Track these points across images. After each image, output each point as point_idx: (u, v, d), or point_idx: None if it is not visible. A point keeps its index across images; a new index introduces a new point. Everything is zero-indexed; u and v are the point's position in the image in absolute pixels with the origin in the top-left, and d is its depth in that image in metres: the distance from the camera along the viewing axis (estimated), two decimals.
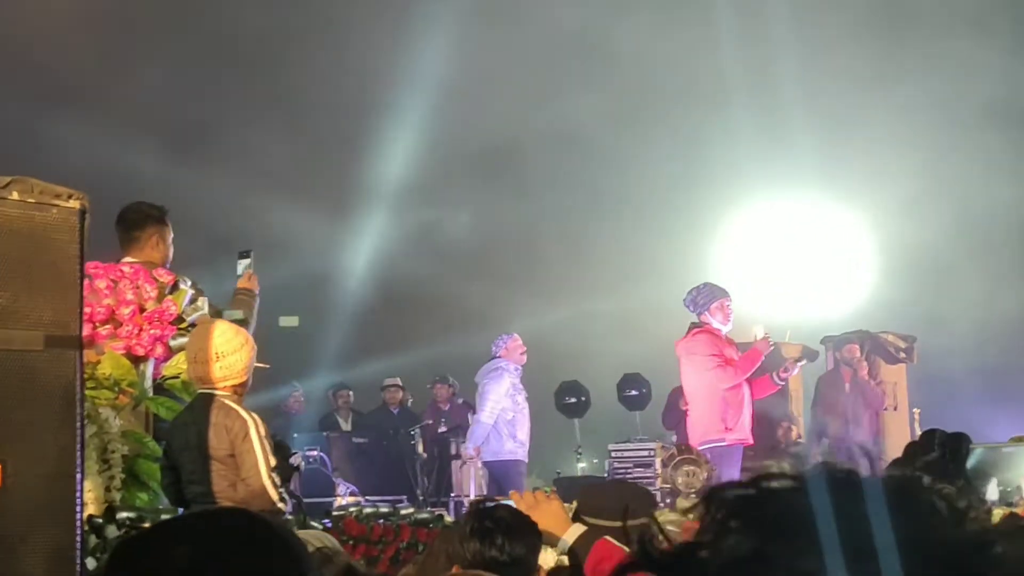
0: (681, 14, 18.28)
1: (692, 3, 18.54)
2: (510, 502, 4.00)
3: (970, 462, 2.33)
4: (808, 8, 18.18)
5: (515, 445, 13.02)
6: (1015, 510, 2.18)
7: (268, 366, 8.95)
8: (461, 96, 18.08)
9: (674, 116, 18.18)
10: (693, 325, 11.39)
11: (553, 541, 3.79)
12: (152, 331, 6.71)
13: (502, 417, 13.00)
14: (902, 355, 15.36)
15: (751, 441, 11.28)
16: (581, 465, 15.73)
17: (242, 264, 7.48)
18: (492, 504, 4.05)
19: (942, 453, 2.31)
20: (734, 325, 11.66)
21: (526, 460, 13.31)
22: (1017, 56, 17.67)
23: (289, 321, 18.02)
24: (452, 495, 14.39)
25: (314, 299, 18.06)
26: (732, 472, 10.74)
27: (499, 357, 13.28)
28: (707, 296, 11.33)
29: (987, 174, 17.81)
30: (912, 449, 2.38)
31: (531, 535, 3.87)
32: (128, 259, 7.27)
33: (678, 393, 14.02)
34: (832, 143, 18.41)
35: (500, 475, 13.11)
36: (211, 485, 6.18)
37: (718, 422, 11.02)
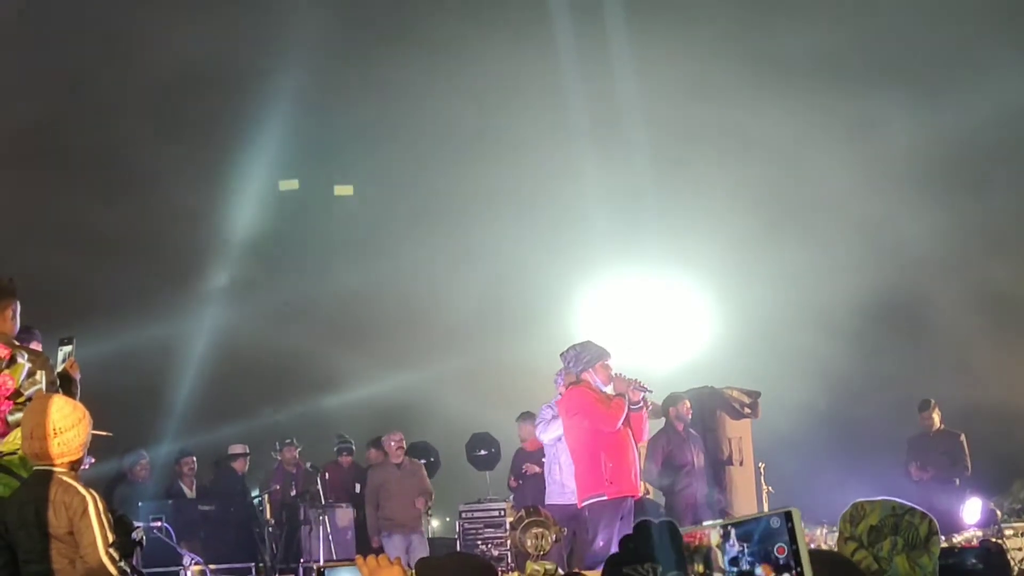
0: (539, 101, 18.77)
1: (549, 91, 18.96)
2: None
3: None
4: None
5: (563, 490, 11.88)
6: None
7: (111, 434, 8.80)
8: (301, 156, 18.08)
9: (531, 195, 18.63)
10: (572, 384, 11.06)
11: None
12: None
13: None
14: (746, 410, 15.46)
15: (636, 493, 10.89)
16: (433, 525, 15.74)
17: (63, 351, 7.29)
18: None
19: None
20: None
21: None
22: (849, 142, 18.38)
23: (289, 185, 17.83)
24: (301, 560, 14.22)
25: (159, 365, 17.69)
26: (611, 528, 10.50)
27: None
28: (593, 354, 10.98)
29: (821, 246, 18.38)
30: (627, 541, 2.50)
31: None
32: None
33: (523, 455, 14.10)
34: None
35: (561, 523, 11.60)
36: (50, 563, 6.07)
37: (599, 477, 10.66)
